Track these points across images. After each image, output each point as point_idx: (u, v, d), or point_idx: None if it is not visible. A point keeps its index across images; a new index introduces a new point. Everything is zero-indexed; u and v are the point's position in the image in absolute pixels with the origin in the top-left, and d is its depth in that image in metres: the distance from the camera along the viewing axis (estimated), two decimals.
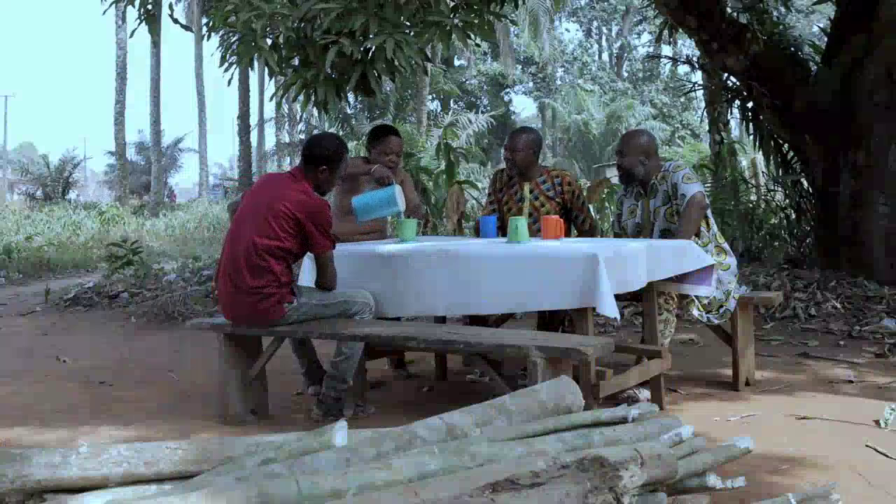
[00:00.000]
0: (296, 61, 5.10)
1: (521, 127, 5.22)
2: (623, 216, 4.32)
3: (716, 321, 4.01)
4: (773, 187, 8.43)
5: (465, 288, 3.53)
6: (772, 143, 7.84)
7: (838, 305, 5.96)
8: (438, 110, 30.34)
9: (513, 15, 6.43)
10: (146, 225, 20.64)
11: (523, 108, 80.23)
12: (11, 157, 43.18)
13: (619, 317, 3.47)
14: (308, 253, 3.81)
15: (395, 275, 3.72)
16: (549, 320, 4.30)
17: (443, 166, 9.60)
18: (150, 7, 5.95)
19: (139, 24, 6.06)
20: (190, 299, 7.37)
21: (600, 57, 42.66)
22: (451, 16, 4.95)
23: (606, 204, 9.84)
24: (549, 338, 3.27)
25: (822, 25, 10.92)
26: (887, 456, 2.98)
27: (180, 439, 2.50)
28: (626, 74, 40.49)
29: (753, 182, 9.84)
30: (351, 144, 22.37)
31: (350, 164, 4.14)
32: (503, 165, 4.64)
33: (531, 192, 4.45)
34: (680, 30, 7.64)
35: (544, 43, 29.11)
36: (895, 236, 6.40)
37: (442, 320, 4.40)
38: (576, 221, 4.52)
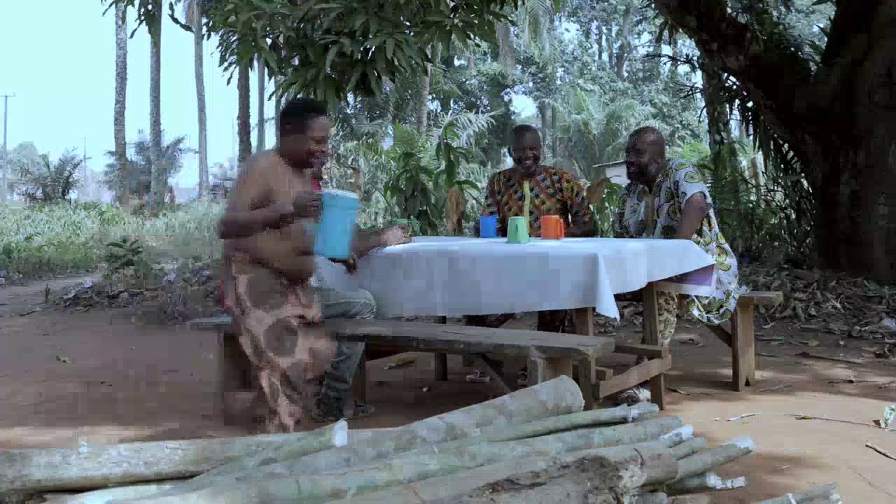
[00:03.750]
0: (296, 61, 5.11)
1: (525, 125, 5.20)
2: (626, 215, 4.32)
3: (716, 321, 4.01)
4: (773, 187, 8.43)
5: (465, 288, 3.52)
6: (772, 143, 7.84)
7: (838, 305, 5.96)
8: (438, 110, 30.34)
9: (513, 15, 6.43)
10: (146, 225, 20.64)
11: (523, 108, 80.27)
12: (11, 157, 43.14)
13: (619, 317, 3.46)
14: None
15: (395, 275, 3.72)
16: (549, 320, 4.30)
17: (443, 166, 9.58)
18: (150, 7, 5.96)
19: (139, 24, 6.07)
20: (190, 299, 7.36)
21: (600, 57, 42.65)
22: (451, 16, 4.96)
23: (606, 204, 9.82)
24: (549, 338, 3.27)
25: (822, 25, 10.92)
26: (887, 456, 2.98)
27: (180, 439, 2.50)
28: (626, 74, 40.48)
29: (753, 182, 9.83)
30: (351, 144, 22.37)
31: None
32: (503, 167, 4.65)
33: (532, 189, 4.45)
34: (680, 30, 7.64)
35: (544, 43, 29.13)
36: (895, 236, 6.40)
37: (442, 320, 4.40)
38: (575, 218, 4.53)
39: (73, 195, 32.28)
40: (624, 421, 2.34)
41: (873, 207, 6.45)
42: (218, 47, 5.11)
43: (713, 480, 2.17)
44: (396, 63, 4.77)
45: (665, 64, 32.82)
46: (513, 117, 34.75)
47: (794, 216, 7.75)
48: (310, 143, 3.06)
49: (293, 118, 3.07)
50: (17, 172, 33.84)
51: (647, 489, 1.92)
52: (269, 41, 5.00)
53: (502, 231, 4.37)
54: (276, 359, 2.98)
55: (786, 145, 7.71)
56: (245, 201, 2.94)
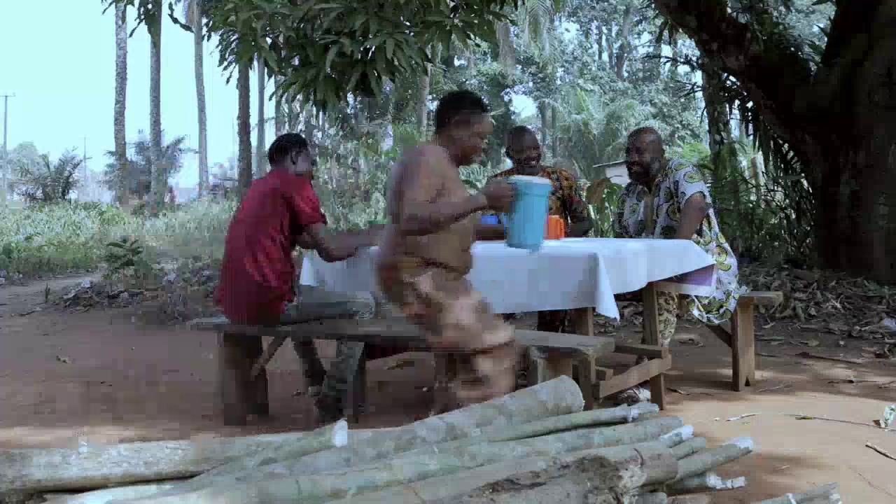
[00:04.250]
0: (296, 61, 5.11)
1: (521, 127, 5.21)
2: (625, 215, 4.33)
3: (716, 321, 4.01)
4: (773, 187, 8.44)
5: None
6: (772, 143, 7.85)
7: (838, 305, 5.96)
8: None
9: (513, 15, 6.43)
10: (146, 225, 20.64)
11: (523, 108, 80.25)
12: (11, 157, 43.12)
13: (618, 317, 3.46)
14: (307, 254, 3.81)
15: None
16: (549, 320, 4.30)
17: None
18: (149, 7, 5.96)
19: (139, 23, 6.07)
20: (190, 299, 7.36)
21: (600, 57, 42.64)
22: (451, 16, 4.95)
23: (606, 204, 9.83)
24: (549, 338, 3.27)
25: (822, 25, 10.93)
26: (887, 456, 2.98)
27: (180, 439, 2.50)
28: (626, 74, 40.48)
29: (753, 182, 9.85)
30: (350, 145, 22.37)
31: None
32: (503, 167, 4.66)
33: None
34: (680, 30, 7.65)
35: (544, 43, 29.11)
36: (895, 236, 6.40)
37: None
38: (573, 213, 4.59)
39: (73, 195, 32.26)
40: (624, 421, 2.34)
41: (873, 207, 6.45)
42: (217, 47, 5.11)
43: (713, 480, 2.17)
44: (396, 63, 4.77)
45: (665, 64, 32.81)
46: (513, 117, 34.74)
47: (794, 216, 7.75)
48: (475, 139, 2.92)
49: (460, 111, 2.90)
50: (17, 172, 33.81)
51: (647, 489, 1.92)
52: (269, 41, 5.00)
53: None
54: (492, 336, 2.79)
55: (786, 145, 7.72)
56: (426, 196, 2.74)
